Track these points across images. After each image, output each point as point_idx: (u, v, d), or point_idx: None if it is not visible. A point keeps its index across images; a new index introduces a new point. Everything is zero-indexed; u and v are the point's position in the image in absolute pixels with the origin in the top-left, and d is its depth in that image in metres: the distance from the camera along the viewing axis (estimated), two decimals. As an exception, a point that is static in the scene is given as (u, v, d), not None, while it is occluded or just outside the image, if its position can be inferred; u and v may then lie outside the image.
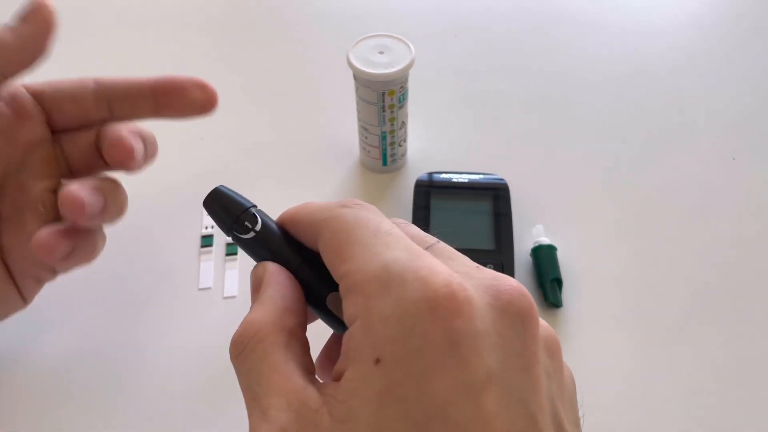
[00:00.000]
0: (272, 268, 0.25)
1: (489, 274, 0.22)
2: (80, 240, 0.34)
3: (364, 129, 0.47)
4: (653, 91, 0.57)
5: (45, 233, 0.32)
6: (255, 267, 0.26)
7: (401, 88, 0.44)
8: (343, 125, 0.52)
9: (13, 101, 0.34)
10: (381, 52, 0.43)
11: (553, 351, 0.23)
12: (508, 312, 0.21)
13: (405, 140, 0.49)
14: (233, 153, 0.52)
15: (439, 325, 0.20)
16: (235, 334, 0.23)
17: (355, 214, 0.24)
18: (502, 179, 0.46)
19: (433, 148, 0.52)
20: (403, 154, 0.50)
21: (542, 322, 0.23)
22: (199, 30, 0.64)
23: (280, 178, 0.50)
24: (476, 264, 0.24)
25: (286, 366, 0.22)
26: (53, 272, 0.36)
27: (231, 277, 0.42)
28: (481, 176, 0.46)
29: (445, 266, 0.22)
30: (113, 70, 0.59)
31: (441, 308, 0.20)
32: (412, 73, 0.44)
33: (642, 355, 0.39)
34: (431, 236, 0.25)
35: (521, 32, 0.63)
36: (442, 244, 0.25)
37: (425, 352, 0.20)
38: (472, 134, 0.54)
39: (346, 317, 0.22)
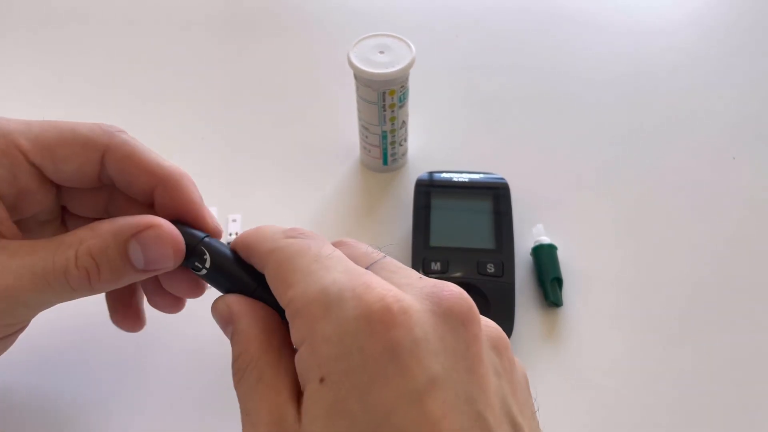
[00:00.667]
0: (233, 301, 0.27)
1: (430, 283, 0.23)
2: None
3: (364, 128, 0.47)
4: (654, 91, 0.57)
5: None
6: (215, 304, 0.27)
7: (402, 87, 0.44)
8: (344, 125, 0.52)
9: None
10: (381, 52, 0.43)
11: (501, 349, 0.23)
12: (449, 316, 0.22)
13: (405, 140, 0.49)
14: (233, 152, 0.52)
15: (377, 338, 0.21)
16: (232, 363, 0.25)
17: (297, 243, 0.25)
18: (502, 178, 0.46)
19: (433, 147, 0.52)
20: (404, 154, 0.50)
21: (488, 322, 0.24)
22: (199, 29, 0.64)
23: (280, 177, 0.50)
24: (419, 274, 0.25)
25: (277, 380, 0.23)
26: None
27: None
28: (482, 175, 0.47)
29: (382, 281, 0.23)
30: (114, 69, 0.60)
31: (377, 322, 0.21)
32: (412, 72, 0.44)
33: (642, 354, 0.39)
34: (377, 252, 0.26)
35: (522, 31, 0.63)
36: (388, 259, 0.26)
37: (366, 365, 0.20)
38: (473, 133, 0.54)
39: (294, 342, 0.23)
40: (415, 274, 0.25)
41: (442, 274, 0.41)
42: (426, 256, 0.42)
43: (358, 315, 0.21)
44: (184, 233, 0.28)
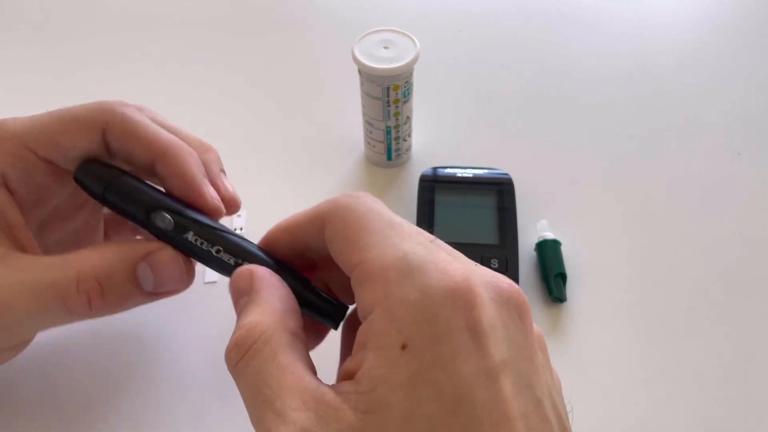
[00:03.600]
0: (262, 271, 0.25)
1: (488, 272, 0.24)
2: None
3: (368, 124, 0.47)
4: (659, 87, 0.57)
5: None
6: (239, 271, 0.26)
7: (406, 82, 0.44)
8: (348, 120, 0.52)
9: None
10: (386, 47, 0.43)
11: (543, 347, 0.24)
12: (510, 306, 0.22)
13: (410, 135, 0.49)
14: (237, 147, 0.52)
15: (460, 314, 0.21)
16: (234, 338, 0.23)
17: (366, 204, 0.24)
18: (506, 174, 0.46)
19: (437, 142, 0.52)
20: (408, 149, 0.50)
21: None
22: (203, 25, 0.64)
23: (284, 172, 0.50)
24: (474, 261, 0.25)
25: (295, 365, 0.22)
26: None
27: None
28: (486, 171, 0.47)
29: (456, 261, 0.23)
30: (117, 64, 0.60)
31: (461, 299, 0.21)
32: (417, 67, 0.44)
33: (646, 349, 0.40)
34: (428, 233, 0.26)
35: (527, 27, 0.63)
36: (440, 241, 0.26)
37: (450, 337, 0.20)
38: (477, 129, 0.54)
39: (363, 306, 0.22)
40: (471, 261, 0.25)
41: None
42: (430, 252, 0.42)
43: (445, 287, 0.21)
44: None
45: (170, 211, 0.28)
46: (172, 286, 0.28)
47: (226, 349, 0.23)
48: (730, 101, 0.55)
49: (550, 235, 0.43)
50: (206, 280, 0.42)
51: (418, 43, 0.43)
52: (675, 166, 0.50)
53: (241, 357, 0.22)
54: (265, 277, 0.25)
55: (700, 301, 0.42)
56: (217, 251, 0.28)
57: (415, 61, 0.43)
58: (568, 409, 0.24)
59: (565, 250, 0.43)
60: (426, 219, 0.44)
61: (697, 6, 0.65)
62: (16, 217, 0.28)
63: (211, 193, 0.30)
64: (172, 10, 0.65)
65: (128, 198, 0.28)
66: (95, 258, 0.26)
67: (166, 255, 0.27)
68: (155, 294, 0.27)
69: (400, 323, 0.21)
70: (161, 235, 0.28)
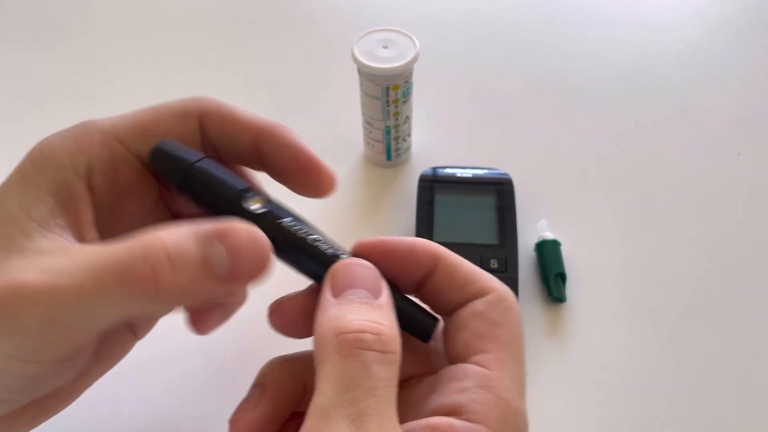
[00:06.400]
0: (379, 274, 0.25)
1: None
2: (229, 305, 0.29)
3: (368, 123, 0.47)
4: (659, 86, 0.57)
5: (196, 316, 0.28)
6: (358, 263, 0.25)
7: (406, 82, 0.44)
8: (348, 120, 0.52)
9: None
10: (385, 47, 0.43)
11: None
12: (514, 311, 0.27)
13: (409, 135, 0.49)
14: (237, 147, 0.52)
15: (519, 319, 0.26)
16: (379, 329, 0.22)
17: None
18: (506, 174, 0.46)
19: (437, 142, 0.52)
20: (408, 149, 0.50)
21: None
22: (202, 24, 0.64)
23: (284, 172, 0.50)
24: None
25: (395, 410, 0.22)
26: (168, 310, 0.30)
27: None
28: (485, 171, 0.46)
29: None
30: (118, 65, 0.60)
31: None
32: (416, 67, 0.44)
33: (646, 349, 0.39)
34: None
35: (527, 26, 0.63)
36: None
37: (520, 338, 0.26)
38: (477, 129, 0.54)
39: (476, 318, 0.25)
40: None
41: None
42: (429, 252, 0.42)
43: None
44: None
45: (261, 195, 0.26)
46: (249, 267, 0.23)
47: (355, 326, 0.22)
48: (730, 101, 0.55)
49: (549, 235, 0.43)
50: None
51: (417, 43, 0.43)
52: (675, 166, 0.50)
53: (381, 353, 0.21)
54: (385, 282, 0.24)
55: (699, 301, 0.42)
56: (314, 240, 0.25)
57: (414, 60, 0.43)
58: None
59: (565, 250, 0.43)
60: (425, 219, 0.44)
61: (697, 6, 0.65)
62: (87, 216, 0.25)
63: (328, 166, 0.28)
64: (171, 9, 0.65)
65: (215, 180, 0.25)
66: (164, 232, 0.22)
67: (244, 231, 0.23)
68: (230, 279, 0.23)
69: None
70: (253, 220, 0.25)
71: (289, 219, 0.25)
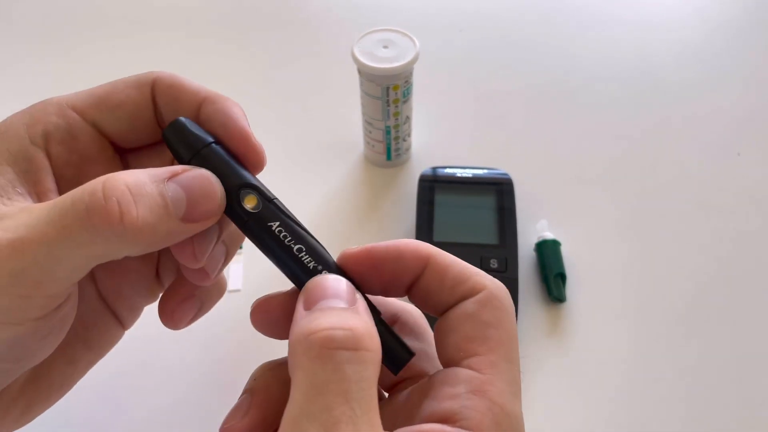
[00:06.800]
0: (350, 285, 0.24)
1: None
2: (205, 293, 0.29)
3: (368, 123, 0.47)
4: (658, 86, 0.57)
5: (170, 306, 0.28)
6: (334, 279, 0.24)
7: (406, 82, 0.44)
8: (348, 120, 0.52)
9: None
10: (386, 47, 0.43)
11: None
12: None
13: (409, 135, 0.49)
14: (238, 147, 0.52)
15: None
16: (348, 324, 0.21)
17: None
18: (506, 174, 0.46)
19: (437, 142, 0.52)
20: (408, 149, 0.50)
21: None
22: (203, 24, 0.64)
23: (284, 172, 0.50)
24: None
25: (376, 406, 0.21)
26: (153, 297, 0.31)
27: (236, 271, 0.42)
28: (486, 171, 0.46)
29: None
30: (116, 67, 0.60)
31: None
32: (416, 67, 0.44)
33: (645, 349, 0.39)
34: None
35: (527, 26, 0.63)
36: None
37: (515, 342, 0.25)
38: (477, 129, 0.54)
39: (479, 328, 0.24)
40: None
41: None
42: (429, 252, 0.42)
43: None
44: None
45: (260, 192, 0.25)
46: (205, 207, 0.24)
47: (325, 325, 0.21)
48: (730, 101, 0.55)
49: (549, 236, 0.43)
50: (230, 288, 0.40)
51: (417, 43, 0.43)
52: (675, 166, 0.50)
53: (354, 351, 0.20)
54: (361, 296, 0.24)
55: (698, 300, 0.42)
56: (299, 250, 0.25)
57: (414, 60, 0.43)
58: None
59: (565, 251, 0.43)
60: (425, 219, 0.44)
61: (697, 6, 0.65)
62: (48, 184, 0.26)
63: (258, 141, 0.28)
64: (171, 9, 0.65)
65: (219, 167, 0.25)
66: (121, 173, 0.23)
67: (195, 173, 0.24)
68: (187, 218, 0.23)
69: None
70: (242, 217, 0.25)
71: (277, 224, 0.25)
